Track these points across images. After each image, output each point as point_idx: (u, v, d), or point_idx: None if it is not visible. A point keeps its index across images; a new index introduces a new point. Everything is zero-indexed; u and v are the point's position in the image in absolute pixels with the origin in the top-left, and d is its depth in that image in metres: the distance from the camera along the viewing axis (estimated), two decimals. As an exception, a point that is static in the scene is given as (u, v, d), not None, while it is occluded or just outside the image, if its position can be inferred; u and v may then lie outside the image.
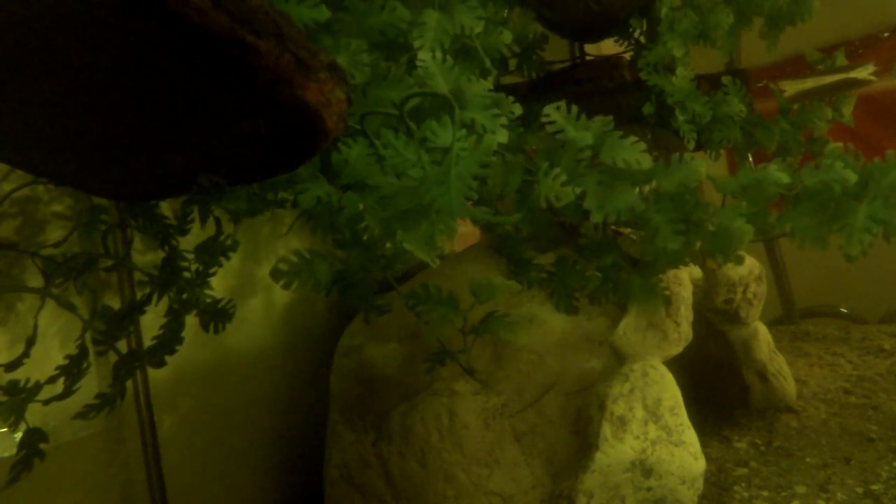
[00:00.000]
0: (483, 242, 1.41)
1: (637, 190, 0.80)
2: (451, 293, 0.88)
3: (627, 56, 1.40)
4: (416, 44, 0.78)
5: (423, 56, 0.73)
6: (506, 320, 0.89)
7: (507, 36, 0.90)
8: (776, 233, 0.85)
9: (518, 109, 0.77)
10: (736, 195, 0.84)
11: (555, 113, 0.81)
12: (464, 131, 0.68)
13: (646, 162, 0.78)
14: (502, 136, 0.71)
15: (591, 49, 1.51)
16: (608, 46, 1.47)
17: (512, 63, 1.38)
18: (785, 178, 0.82)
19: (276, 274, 0.81)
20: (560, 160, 0.79)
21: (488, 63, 0.87)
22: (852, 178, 0.81)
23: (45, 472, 0.99)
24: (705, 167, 0.82)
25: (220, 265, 1.06)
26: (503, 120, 0.73)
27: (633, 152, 0.78)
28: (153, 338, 1.01)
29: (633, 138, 0.79)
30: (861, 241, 0.79)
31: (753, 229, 0.82)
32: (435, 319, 0.85)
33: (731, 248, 0.82)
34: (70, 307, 0.92)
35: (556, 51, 1.43)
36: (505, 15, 0.95)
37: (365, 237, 0.83)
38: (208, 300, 1.03)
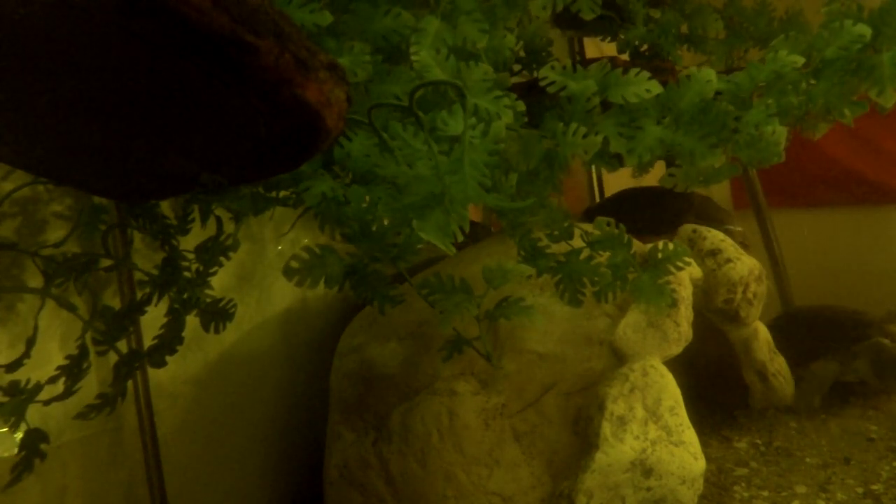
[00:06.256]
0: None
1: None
2: (465, 281, 0.87)
3: (624, 57, 1.40)
4: (413, 49, 0.78)
5: (420, 52, 0.73)
6: (521, 304, 0.88)
7: (510, 40, 0.89)
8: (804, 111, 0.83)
9: (521, 107, 0.77)
10: (758, 94, 0.82)
11: (551, 73, 0.80)
12: (474, 119, 0.68)
13: (655, 88, 0.76)
14: (508, 117, 0.71)
15: (594, 51, 1.51)
16: (610, 48, 1.47)
17: (516, 67, 1.38)
18: (800, 60, 0.80)
19: (288, 271, 0.80)
20: (571, 116, 0.78)
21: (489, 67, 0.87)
22: (868, 32, 0.79)
23: (47, 471, 0.99)
24: (715, 76, 0.81)
25: (221, 265, 1.06)
26: (507, 101, 0.72)
27: (640, 84, 0.76)
28: (154, 338, 1.01)
29: (635, 70, 0.77)
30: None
31: (786, 130, 0.80)
32: (450, 308, 0.84)
33: (771, 153, 0.80)
34: (70, 307, 0.92)
35: (556, 53, 1.43)
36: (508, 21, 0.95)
37: (374, 228, 0.83)
38: (208, 300, 1.03)
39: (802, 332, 1.73)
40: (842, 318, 1.73)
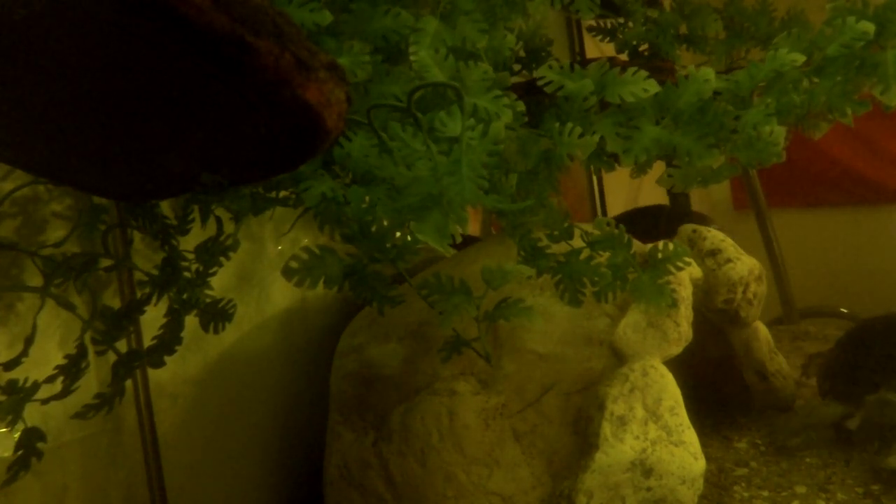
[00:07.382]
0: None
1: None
2: (464, 281, 0.87)
3: (623, 57, 1.40)
4: (412, 49, 0.78)
5: (419, 52, 0.73)
6: (520, 305, 0.88)
7: (510, 40, 0.89)
8: (806, 110, 0.82)
9: (520, 106, 0.77)
10: (759, 93, 0.81)
11: (549, 72, 0.80)
12: (472, 120, 0.68)
13: (652, 87, 0.76)
14: (507, 117, 0.71)
15: (594, 51, 1.51)
16: (610, 48, 1.47)
17: (516, 67, 1.38)
18: (800, 58, 0.79)
19: (287, 272, 0.80)
20: (568, 116, 0.78)
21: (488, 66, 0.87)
22: (871, 28, 0.78)
23: (48, 471, 0.99)
24: (713, 75, 0.80)
25: (221, 265, 1.06)
26: (506, 100, 0.72)
27: (637, 84, 0.76)
28: (152, 338, 1.01)
29: (632, 69, 0.77)
30: None
31: (784, 130, 0.79)
32: (449, 309, 0.83)
33: (769, 154, 0.79)
34: (69, 307, 0.92)
35: (557, 52, 1.43)
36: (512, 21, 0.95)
37: (373, 228, 0.82)
38: (208, 300, 1.03)
39: (872, 354, 1.53)
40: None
